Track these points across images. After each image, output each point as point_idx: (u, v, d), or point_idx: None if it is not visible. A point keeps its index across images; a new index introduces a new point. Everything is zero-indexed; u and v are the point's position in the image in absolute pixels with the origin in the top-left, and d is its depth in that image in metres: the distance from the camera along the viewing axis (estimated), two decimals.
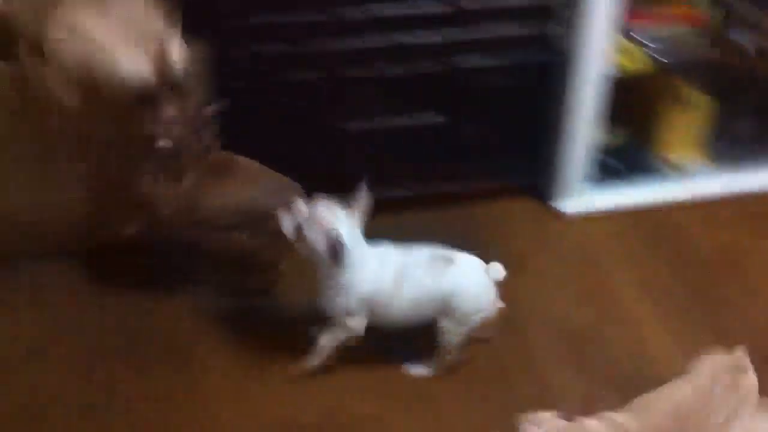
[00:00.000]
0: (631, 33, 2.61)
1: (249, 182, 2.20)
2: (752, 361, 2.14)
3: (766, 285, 2.51)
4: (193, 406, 2.11)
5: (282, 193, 2.13)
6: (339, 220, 2.00)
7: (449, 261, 2.10)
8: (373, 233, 2.59)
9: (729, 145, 2.86)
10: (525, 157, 2.73)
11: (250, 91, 2.40)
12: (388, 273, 2.05)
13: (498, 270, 2.11)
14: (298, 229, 1.99)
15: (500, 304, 2.14)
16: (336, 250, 1.97)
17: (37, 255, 2.44)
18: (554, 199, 2.73)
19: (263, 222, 2.11)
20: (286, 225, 2.00)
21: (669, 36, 2.69)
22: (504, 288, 2.45)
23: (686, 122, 2.81)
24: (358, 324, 2.09)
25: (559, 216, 2.73)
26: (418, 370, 2.20)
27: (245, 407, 2.12)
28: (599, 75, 2.48)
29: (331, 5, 2.32)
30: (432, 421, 2.10)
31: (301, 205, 2.01)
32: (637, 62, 2.59)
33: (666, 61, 2.62)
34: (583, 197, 2.72)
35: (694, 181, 2.82)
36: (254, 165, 2.25)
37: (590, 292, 2.48)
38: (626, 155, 2.82)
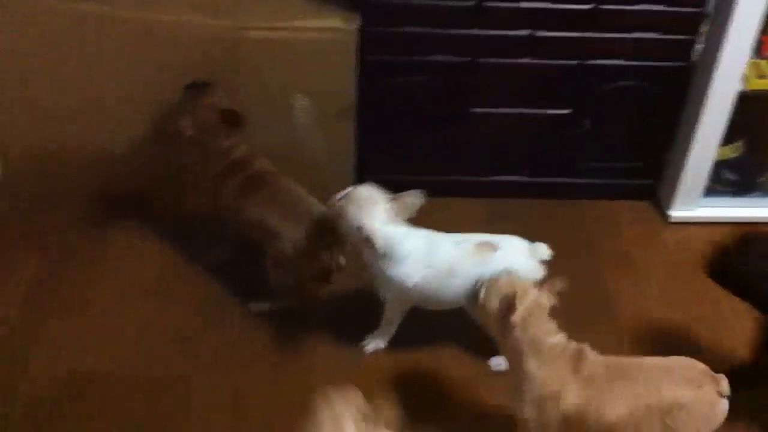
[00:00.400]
0: (762, 51, 2.63)
1: (266, 203, 2.29)
2: None
3: None
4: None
5: (294, 218, 2.24)
6: (373, 213, 2.07)
7: (494, 247, 2.15)
8: (487, 215, 2.77)
9: None
10: (643, 160, 2.81)
11: (388, 66, 2.56)
12: (438, 263, 2.12)
13: (543, 250, 2.18)
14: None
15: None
16: (368, 241, 2.04)
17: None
18: (666, 204, 2.81)
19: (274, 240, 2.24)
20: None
21: None
22: (605, 279, 2.58)
23: None
24: (405, 307, 2.23)
25: (668, 221, 2.81)
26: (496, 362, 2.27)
27: None
28: (730, 90, 2.53)
29: None
30: None
31: (337, 200, 2.10)
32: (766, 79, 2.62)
33: None
34: (694, 205, 2.79)
35: None
36: (286, 187, 2.34)
37: (687, 296, 2.58)
38: (741, 170, 2.86)
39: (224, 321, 2.39)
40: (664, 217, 2.81)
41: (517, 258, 2.15)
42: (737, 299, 2.54)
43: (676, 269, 2.69)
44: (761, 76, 2.60)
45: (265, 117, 2.56)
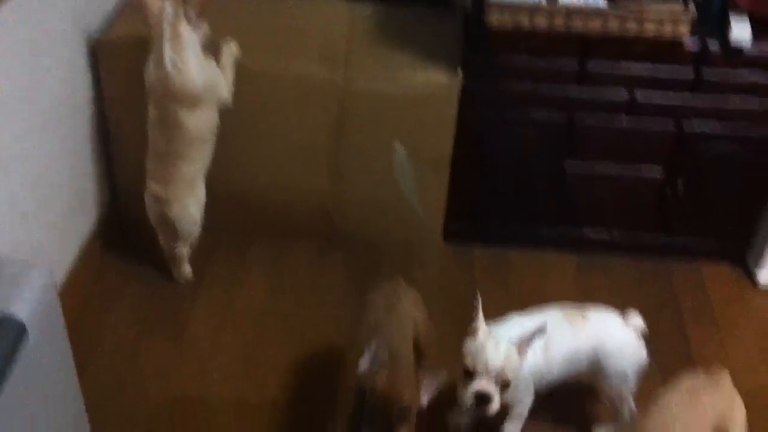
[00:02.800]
0: None
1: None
2: None
3: None
4: None
5: None
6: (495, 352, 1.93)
7: (585, 316, 2.14)
8: (576, 270, 2.83)
9: None
10: (734, 224, 2.83)
11: (492, 122, 2.67)
12: (535, 345, 2.01)
13: (636, 318, 2.19)
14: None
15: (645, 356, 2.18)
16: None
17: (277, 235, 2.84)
18: (757, 267, 2.82)
19: None
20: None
21: None
22: (689, 340, 2.60)
23: None
24: (530, 401, 2.16)
25: (759, 285, 2.82)
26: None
27: None
28: None
29: (584, 56, 2.53)
30: None
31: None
32: None
33: None
34: None
35: None
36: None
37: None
38: None
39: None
40: (753, 281, 2.82)
41: (612, 325, 2.16)
42: None
43: (763, 333, 2.69)
44: None
45: (367, 164, 2.72)
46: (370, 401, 1.77)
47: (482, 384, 1.91)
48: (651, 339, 2.57)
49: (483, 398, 1.91)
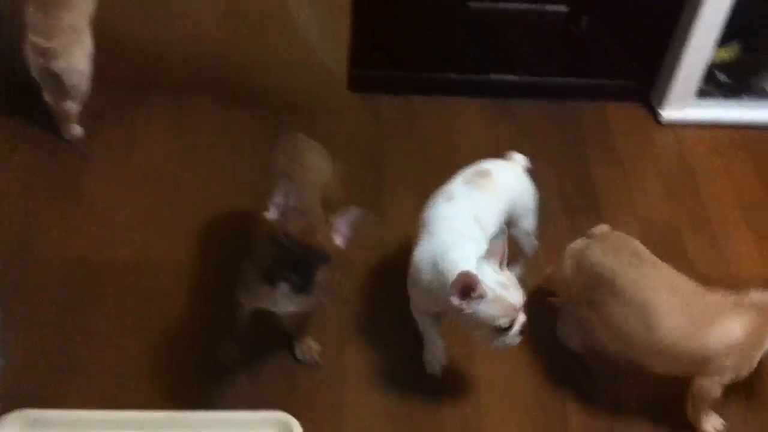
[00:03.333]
0: None
1: None
2: None
3: None
4: None
5: None
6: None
7: (484, 174, 2.06)
8: (479, 114, 2.80)
9: None
10: (638, 61, 2.82)
11: None
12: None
13: (521, 157, 2.15)
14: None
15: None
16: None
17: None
18: (658, 106, 2.83)
19: None
20: None
21: None
22: (595, 179, 2.63)
23: None
24: None
25: (660, 122, 2.84)
26: None
27: None
28: None
29: None
30: None
31: None
32: None
33: None
34: (688, 108, 2.81)
35: None
36: None
37: (678, 196, 2.64)
38: (735, 72, 2.87)
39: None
40: (656, 118, 2.84)
41: (512, 175, 2.11)
42: (726, 200, 2.62)
43: (665, 169, 2.74)
44: None
45: (267, 10, 2.57)
46: (286, 248, 1.72)
47: (523, 316, 1.84)
48: (557, 180, 2.62)
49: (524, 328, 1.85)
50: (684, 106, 2.80)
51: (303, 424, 1.84)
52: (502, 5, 2.65)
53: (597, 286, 1.96)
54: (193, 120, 2.69)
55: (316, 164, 2.10)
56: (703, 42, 2.63)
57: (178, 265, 2.29)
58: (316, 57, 2.68)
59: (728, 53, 2.83)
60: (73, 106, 2.48)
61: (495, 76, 2.83)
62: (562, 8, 2.67)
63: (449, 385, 2.10)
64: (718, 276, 2.37)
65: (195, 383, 2.04)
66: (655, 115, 2.84)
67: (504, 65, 2.82)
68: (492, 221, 1.99)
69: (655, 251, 2.41)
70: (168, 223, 2.39)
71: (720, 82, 2.84)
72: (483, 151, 2.64)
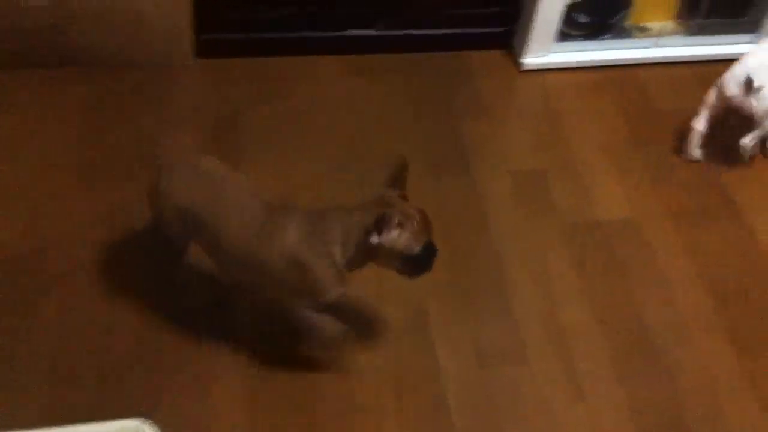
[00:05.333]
0: None
1: None
2: (695, 214, 2.28)
3: None
4: None
5: None
6: None
7: None
8: (342, 74, 2.68)
9: (700, 12, 2.87)
10: (496, 6, 2.74)
11: None
12: None
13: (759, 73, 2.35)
14: None
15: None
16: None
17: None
18: (520, 53, 2.76)
19: None
20: None
21: None
22: (461, 132, 2.56)
23: None
24: None
25: (522, 69, 2.77)
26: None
27: None
28: None
29: None
30: None
31: None
32: None
33: None
34: (549, 52, 2.75)
35: (662, 44, 2.86)
36: None
37: (545, 143, 2.58)
38: (594, 12, 2.81)
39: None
40: (518, 65, 2.77)
41: None
42: (591, 143, 2.59)
43: (531, 117, 2.69)
44: None
45: None
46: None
47: None
48: (423, 135, 2.54)
49: None
50: (545, 50, 2.74)
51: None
52: None
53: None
54: (18, 98, 2.48)
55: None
56: None
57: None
58: (157, 25, 2.49)
59: None
60: None
61: (352, 32, 2.71)
62: None
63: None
64: (585, 221, 2.35)
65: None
66: (519, 63, 2.77)
67: (361, 20, 2.70)
68: None
69: (523, 200, 2.40)
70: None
71: (580, 23, 2.79)
72: (343, 111, 2.57)
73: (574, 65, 2.79)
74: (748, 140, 2.51)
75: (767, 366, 2.10)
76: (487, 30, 2.79)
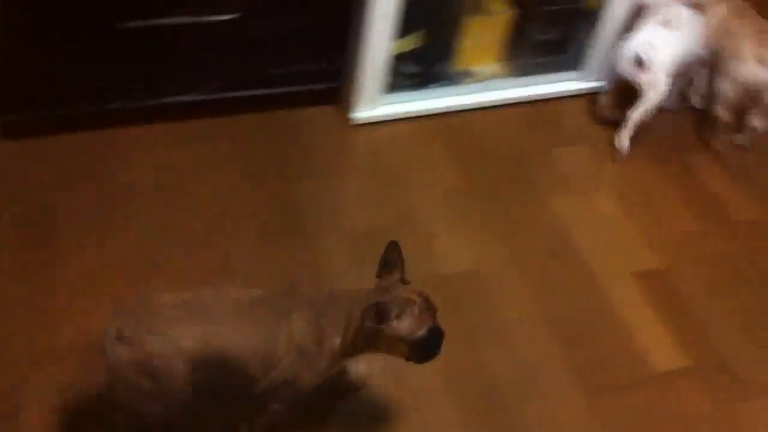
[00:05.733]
0: None
1: None
2: (537, 256, 2.29)
3: (549, 188, 2.65)
4: None
5: None
6: None
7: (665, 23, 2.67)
8: (162, 142, 2.55)
9: (524, 53, 2.92)
10: (323, 62, 2.68)
11: None
12: None
13: (645, 49, 2.64)
14: None
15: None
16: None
17: None
18: (352, 106, 2.70)
19: None
20: None
21: None
22: (296, 193, 2.47)
23: (486, 30, 2.84)
24: None
25: (353, 124, 2.72)
26: None
27: None
28: None
29: None
30: None
31: None
32: None
33: None
34: (379, 104, 2.71)
35: (491, 88, 2.88)
36: None
37: (383, 197, 2.53)
38: (421, 60, 2.80)
39: None
40: (350, 120, 2.72)
41: None
42: (429, 194, 2.56)
43: (366, 173, 2.64)
44: None
45: None
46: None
47: None
48: (254, 202, 2.43)
49: None
50: (375, 103, 2.70)
51: None
52: (157, 22, 2.38)
53: None
54: None
55: None
56: (380, 38, 2.53)
57: None
58: None
59: (412, 43, 2.77)
60: None
61: (169, 99, 2.57)
62: (229, 17, 2.45)
63: None
64: (428, 276, 2.30)
65: None
66: (349, 117, 2.71)
67: (177, 85, 2.57)
68: None
69: (364, 261, 2.31)
70: None
71: (408, 73, 2.77)
72: (170, 181, 2.43)
73: (406, 116, 2.76)
74: (636, 113, 2.72)
75: (615, 407, 2.10)
76: (316, 86, 2.72)
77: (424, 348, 1.68)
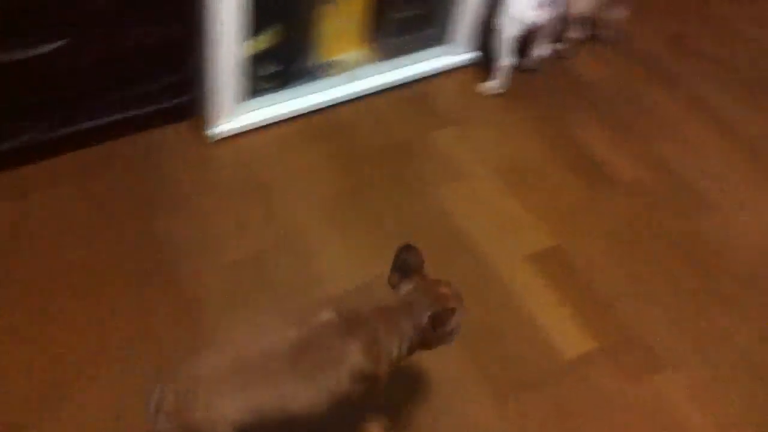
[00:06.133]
0: None
1: None
2: (433, 255, 2.13)
3: (433, 177, 2.52)
4: None
5: None
6: None
7: None
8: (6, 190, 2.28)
9: (388, 33, 2.76)
10: (170, 76, 2.45)
11: None
12: None
13: None
14: None
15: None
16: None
17: None
18: (210, 120, 2.48)
19: None
20: None
21: None
22: (159, 228, 2.25)
23: (344, 16, 2.65)
24: None
25: (217, 138, 2.50)
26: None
27: None
28: None
29: None
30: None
31: None
32: None
33: None
34: (240, 113, 2.51)
35: (358, 76, 2.71)
36: None
37: (256, 218, 2.34)
38: (282, 59, 2.61)
39: None
40: (209, 136, 2.49)
41: None
42: (306, 204, 2.39)
43: (236, 193, 2.41)
44: None
45: None
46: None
47: None
48: (113, 246, 2.21)
49: None
50: (234, 113, 2.49)
51: None
52: None
53: None
54: None
55: None
56: (229, 40, 2.31)
57: None
58: None
59: (266, 40, 2.56)
60: None
61: (4, 145, 2.30)
62: (54, 46, 2.18)
63: None
64: (320, 295, 2.15)
65: None
66: (209, 133, 2.49)
67: (18, 128, 2.30)
68: None
69: (245, 292, 2.14)
70: None
71: (268, 75, 2.56)
72: (6, 244, 2.18)
73: (272, 121, 2.56)
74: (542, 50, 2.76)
75: (529, 405, 2.01)
76: (164, 105, 2.48)
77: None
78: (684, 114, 2.85)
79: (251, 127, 2.53)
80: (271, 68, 2.57)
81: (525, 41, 2.78)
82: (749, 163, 2.71)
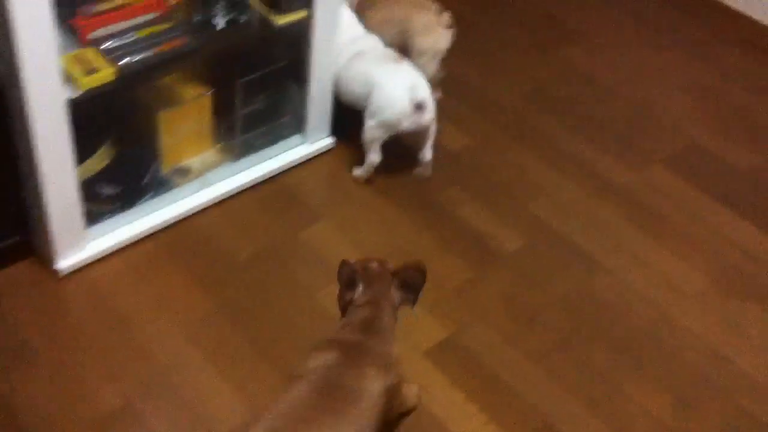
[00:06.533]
0: (83, 35, 2.12)
1: None
2: None
3: (309, 280, 2.32)
4: None
5: None
6: None
7: (395, 61, 2.54)
8: None
9: (237, 130, 2.56)
10: (7, 212, 2.17)
11: None
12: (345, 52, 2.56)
13: (419, 91, 2.46)
14: None
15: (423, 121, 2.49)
16: None
17: None
18: (51, 255, 2.20)
19: None
20: None
21: (134, 31, 2.22)
22: (3, 397, 1.95)
23: (187, 120, 2.43)
24: None
25: (64, 273, 2.22)
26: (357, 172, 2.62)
27: None
28: (56, 106, 1.97)
29: None
30: None
31: None
32: (103, 71, 2.10)
33: (137, 59, 2.17)
34: (84, 243, 2.24)
35: (212, 181, 2.49)
36: None
37: (120, 360, 2.07)
38: (123, 176, 2.37)
39: None
40: (54, 272, 2.22)
41: (396, 81, 2.48)
42: (172, 339, 2.13)
43: (90, 334, 2.12)
44: (91, 71, 2.08)
45: None
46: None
47: None
48: None
49: None
50: (78, 244, 2.22)
51: None
52: None
53: None
54: None
55: None
56: (58, 167, 2.06)
57: None
58: None
59: (102, 159, 2.32)
60: None
61: None
62: None
63: None
64: None
65: None
66: (53, 269, 2.21)
67: None
68: None
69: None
70: None
71: (108, 197, 2.31)
72: None
73: (122, 245, 2.30)
74: (429, 154, 2.62)
75: None
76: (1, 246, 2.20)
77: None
78: (554, 172, 2.78)
79: (101, 256, 2.26)
80: (110, 189, 2.32)
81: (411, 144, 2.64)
82: (627, 213, 2.65)
